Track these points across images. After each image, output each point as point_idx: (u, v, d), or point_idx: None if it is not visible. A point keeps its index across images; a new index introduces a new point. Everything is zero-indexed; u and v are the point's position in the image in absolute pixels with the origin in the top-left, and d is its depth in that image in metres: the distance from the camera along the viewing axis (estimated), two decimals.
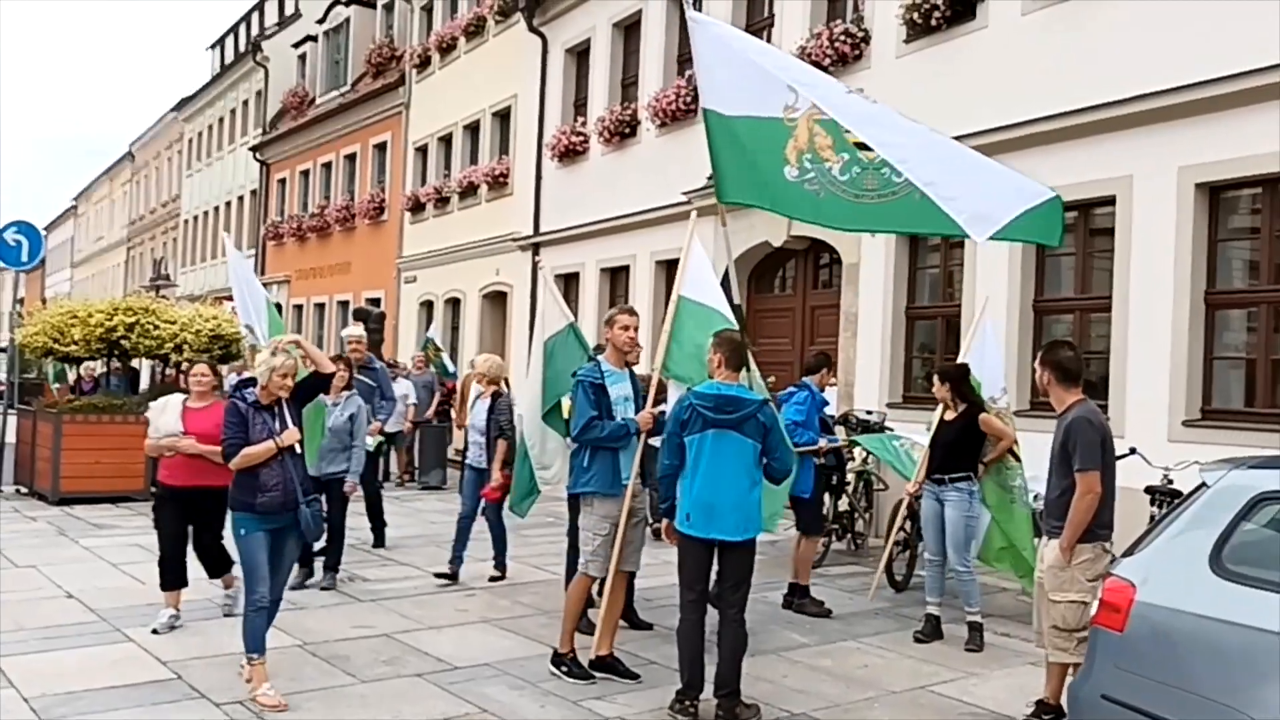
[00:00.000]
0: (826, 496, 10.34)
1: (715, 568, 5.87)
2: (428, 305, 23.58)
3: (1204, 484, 4.38)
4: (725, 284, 8.78)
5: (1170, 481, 7.92)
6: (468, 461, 9.25)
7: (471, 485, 9.16)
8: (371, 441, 9.62)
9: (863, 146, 6.17)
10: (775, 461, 5.83)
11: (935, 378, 8.03)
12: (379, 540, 10.62)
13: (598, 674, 6.36)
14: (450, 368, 17.88)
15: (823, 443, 8.71)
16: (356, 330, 10.79)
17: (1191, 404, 9.10)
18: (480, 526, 9.23)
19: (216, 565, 7.63)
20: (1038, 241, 6.83)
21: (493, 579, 9.08)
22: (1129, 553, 4.57)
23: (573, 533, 7.51)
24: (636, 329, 6.65)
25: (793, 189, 6.33)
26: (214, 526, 7.28)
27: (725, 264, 7.60)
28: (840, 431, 10.42)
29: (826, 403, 9.12)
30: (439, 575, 9.02)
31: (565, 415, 7.72)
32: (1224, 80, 8.74)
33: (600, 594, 6.68)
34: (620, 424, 6.27)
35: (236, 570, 6.57)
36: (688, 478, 5.79)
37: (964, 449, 7.63)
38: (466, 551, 9.23)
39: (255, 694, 5.74)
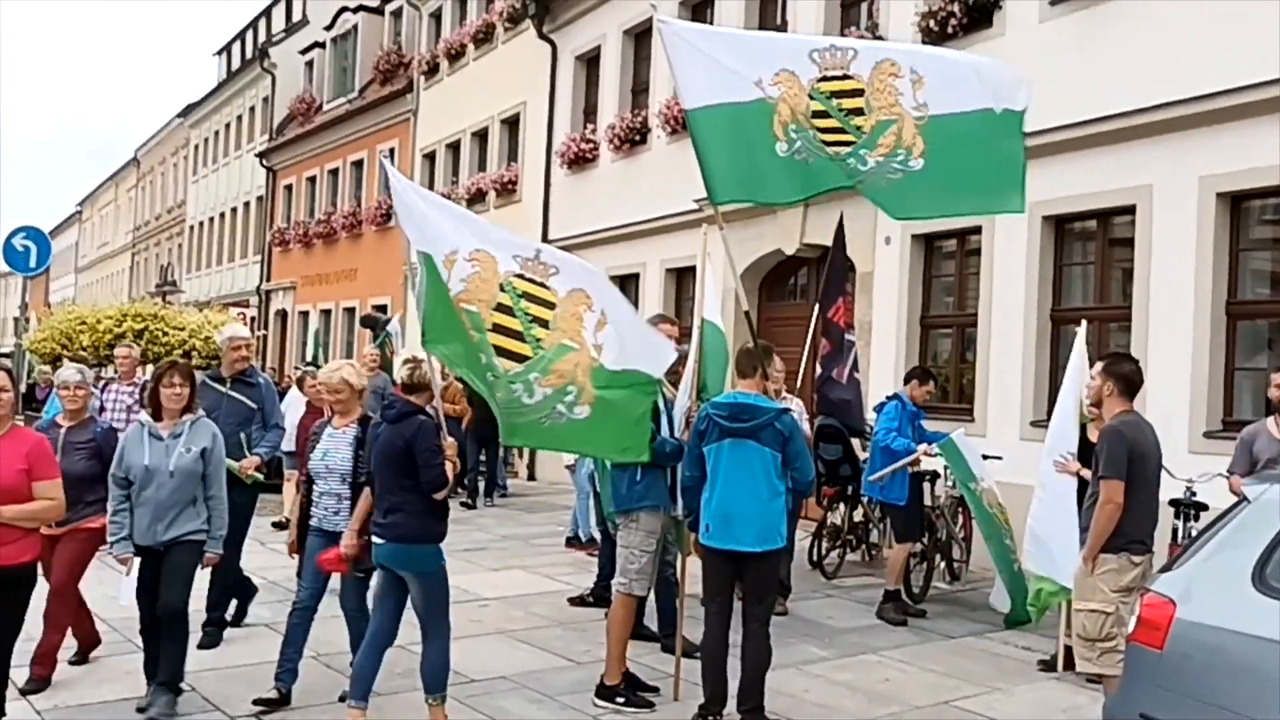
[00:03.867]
0: (842, 506, 10.27)
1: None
2: None
3: (1244, 499, 4.29)
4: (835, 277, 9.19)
5: (1194, 494, 7.82)
6: (314, 523, 5.91)
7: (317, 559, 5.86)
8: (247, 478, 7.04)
9: (859, 111, 6.10)
10: (795, 472, 5.72)
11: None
12: (238, 614, 7.55)
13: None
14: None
15: (924, 447, 8.51)
16: (239, 331, 7.77)
17: (1212, 415, 9.00)
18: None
19: None
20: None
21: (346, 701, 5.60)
22: (1167, 569, 4.48)
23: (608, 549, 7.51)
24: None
25: (784, 165, 6.25)
26: (6, 631, 4.98)
27: (727, 270, 7.59)
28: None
29: (920, 414, 8.89)
30: (259, 702, 5.81)
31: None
32: (1246, 90, 8.65)
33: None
34: (676, 443, 6.11)
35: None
36: (708, 489, 5.72)
37: None
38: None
39: None
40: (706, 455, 5.74)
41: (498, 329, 5.47)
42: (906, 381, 8.98)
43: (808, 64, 6.13)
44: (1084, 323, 7.66)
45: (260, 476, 7.22)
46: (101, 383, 9.70)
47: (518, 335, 5.49)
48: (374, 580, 5.61)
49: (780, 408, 5.80)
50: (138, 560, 5.67)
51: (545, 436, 5.77)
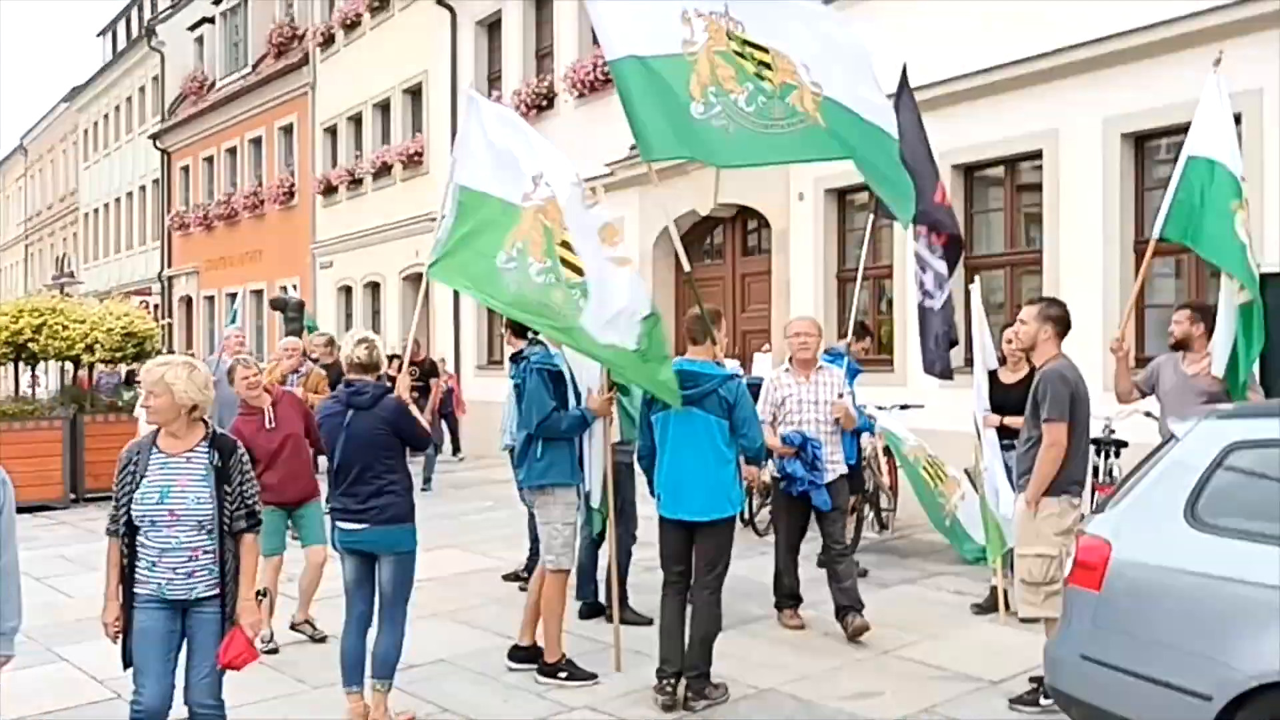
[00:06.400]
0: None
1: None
2: (346, 290, 23.05)
3: (1173, 436, 4.36)
4: None
5: (1112, 431, 7.99)
6: (147, 590, 4.26)
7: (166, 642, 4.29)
8: None
9: (763, 75, 6.07)
10: (742, 439, 5.66)
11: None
12: None
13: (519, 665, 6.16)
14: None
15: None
16: None
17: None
18: None
19: None
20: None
21: None
22: (1100, 510, 4.54)
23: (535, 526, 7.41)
24: None
25: (702, 128, 6.14)
26: None
27: (665, 227, 7.45)
28: None
29: (859, 371, 8.85)
30: None
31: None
32: (1146, 30, 8.80)
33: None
34: (578, 414, 5.96)
35: None
36: (658, 458, 5.69)
37: None
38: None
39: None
40: (655, 424, 5.72)
41: (564, 244, 5.73)
42: (847, 335, 8.79)
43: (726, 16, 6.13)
44: (977, 279, 7.79)
45: None
46: None
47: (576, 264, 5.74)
48: (345, 569, 5.48)
49: (725, 374, 5.74)
50: None
51: (593, 346, 5.70)
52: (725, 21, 6.12)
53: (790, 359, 7.08)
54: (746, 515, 10.28)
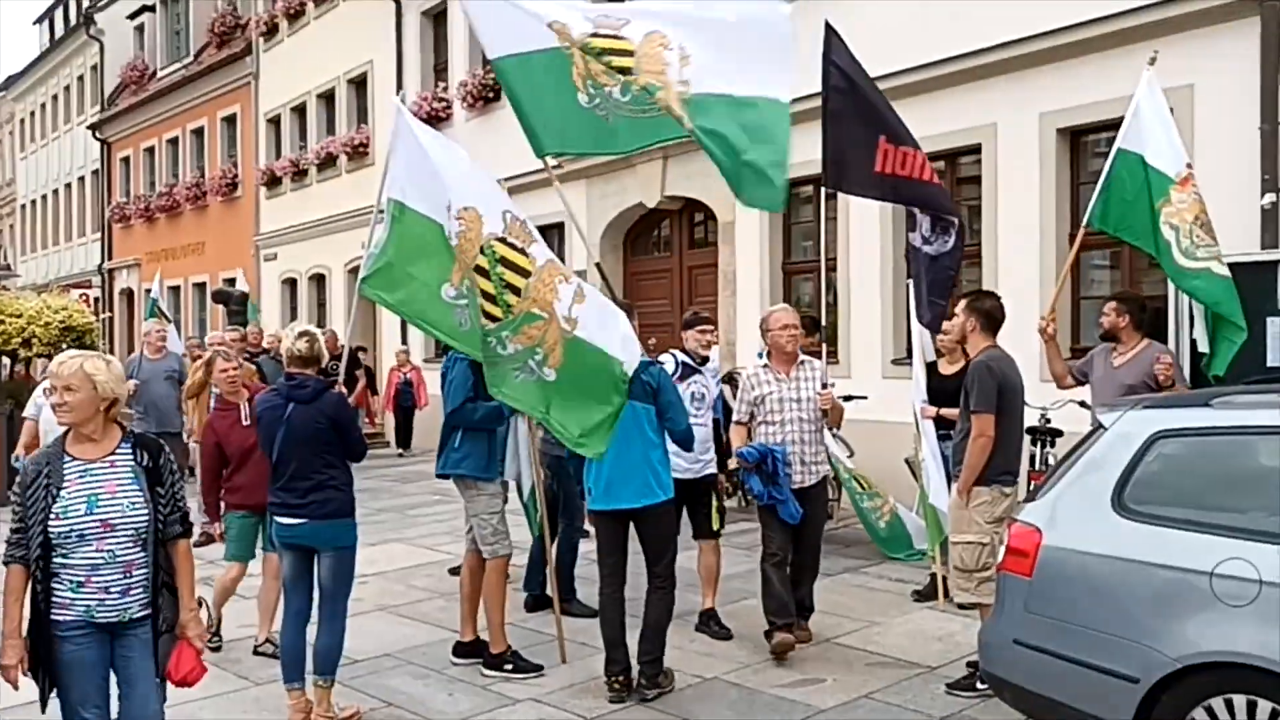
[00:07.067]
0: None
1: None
2: (291, 283, 22.81)
3: (1100, 426, 4.47)
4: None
5: (1048, 420, 8.15)
6: (73, 614, 3.83)
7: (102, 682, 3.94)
8: None
9: (626, 71, 5.95)
10: (668, 423, 5.70)
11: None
12: None
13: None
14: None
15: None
16: None
17: (1061, 344, 9.34)
18: None
19: None
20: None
21: None
22: (1031, 498, 4.65)
23: None
24: None
25: (589, 117, 6.10)
26: None
27: (573, 224, 7.40)
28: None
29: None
30: None
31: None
32: (1078, 27, 8.95)
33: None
34: (494, 405, 5.92)
35: None
36: None
37: None
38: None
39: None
40: None
41: (484, 293, 5.50)
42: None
43: (581, 20, 6.04)
44: (911, 280, 7.80)
45: None
46: None
47: (491, 298, 5.47)
48: (284, 564, 5.44)
49: (645, 360, 5.77)
50: None
51: (517, 390, 5.56)
52: (580, 32, 5.99)
53: (770, 354, 6.56)
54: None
